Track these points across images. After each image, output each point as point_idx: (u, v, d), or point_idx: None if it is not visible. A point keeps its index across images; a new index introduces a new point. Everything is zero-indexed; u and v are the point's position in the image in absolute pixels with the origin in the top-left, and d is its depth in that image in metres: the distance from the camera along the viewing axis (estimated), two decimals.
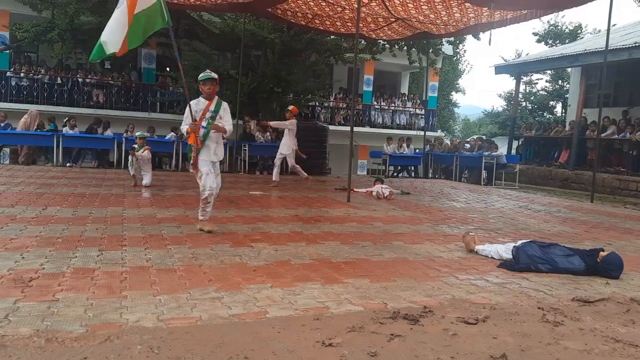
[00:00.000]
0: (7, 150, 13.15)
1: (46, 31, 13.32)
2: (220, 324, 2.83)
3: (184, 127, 5.40)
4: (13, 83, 16.48)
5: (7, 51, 16.00)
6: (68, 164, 12.49)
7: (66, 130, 12.84)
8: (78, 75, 17.41)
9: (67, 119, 13.30)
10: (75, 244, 4.53)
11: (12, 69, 16.61)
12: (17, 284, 3.31)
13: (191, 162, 5.43)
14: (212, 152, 5.40)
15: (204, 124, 5.32)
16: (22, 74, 16.64)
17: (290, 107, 11.00)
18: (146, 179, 9.14)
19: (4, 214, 5.66)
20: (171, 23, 5.51)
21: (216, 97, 5.47)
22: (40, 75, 16.77)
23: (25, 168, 11.21)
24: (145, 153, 9.15)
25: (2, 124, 12.58)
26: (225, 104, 5.54)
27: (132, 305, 3.04)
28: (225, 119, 5.49)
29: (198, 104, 5.38)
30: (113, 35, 5.36)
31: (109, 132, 13.20)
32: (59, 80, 17.08)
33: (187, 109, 5.31)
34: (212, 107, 5.37)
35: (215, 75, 5.42)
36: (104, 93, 17.65)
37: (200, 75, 5.42)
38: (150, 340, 2.55)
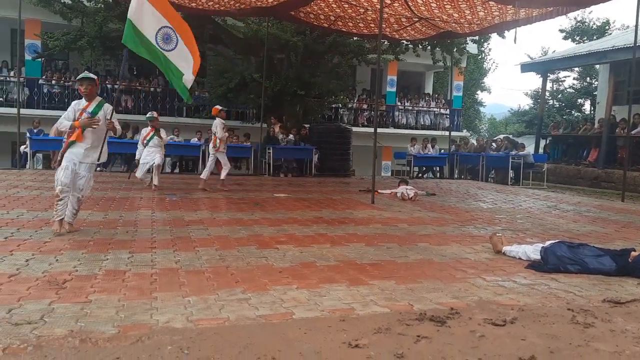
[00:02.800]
0: (40, 155, 13.53)
1: (76, 39, 13.67)
2: (247, 324, 2.88)
3: (64, 124, 5.19)
4: (45, 90, 16.93)
5: (40, 59, 16.46)
6: (98, 168, 12.78)
7: None
8: (107, 82, 17.79)
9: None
10: (106, 246, 4.65)
11: (44, 77, 17.07)
12: (52, 286, 3.42)
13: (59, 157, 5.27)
14: (83, 152, 5.19)
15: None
16: (53, 81, 17.09)
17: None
18: (156, 180, 9.31)
19: (38, 218, 5.84)
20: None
21: (98, 99, 5.37)
22: (70, 82, 17.20)
23: None
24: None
25: (35, 131, 12.95)
26: (107, 106, 5.38)
27: (162, 306, 3.11)
28: (109, 117, 5.34)
29: (78, 105, 5.28)
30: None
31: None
32: None
33: (70, 107, 5.28)
34: (89, 109, 5.24)
35: (91, 75, 5.37)
36: (132, 99, 18.00)
37: (79, 76, 5.41)
38: (180, 340, 2.60)
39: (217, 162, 9.97)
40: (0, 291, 3.25)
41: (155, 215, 6.48)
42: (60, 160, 5.22)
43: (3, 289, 3.31)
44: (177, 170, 14.44)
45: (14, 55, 17.75)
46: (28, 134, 12.64)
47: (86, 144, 5.22)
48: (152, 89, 18.38)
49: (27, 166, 12.47)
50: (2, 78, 16.79)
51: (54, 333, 2.63)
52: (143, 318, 2.90)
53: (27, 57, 16.49)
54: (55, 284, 3.46)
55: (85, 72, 5.61)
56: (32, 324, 2.73)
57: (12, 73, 16.66)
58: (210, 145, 9.91)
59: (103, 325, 2.76)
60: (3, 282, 3.43)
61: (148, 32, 5.74)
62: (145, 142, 9.48)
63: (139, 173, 9.56)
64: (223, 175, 9.89)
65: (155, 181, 9.24)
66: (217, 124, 9.61)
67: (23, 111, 12.93)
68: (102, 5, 13.91)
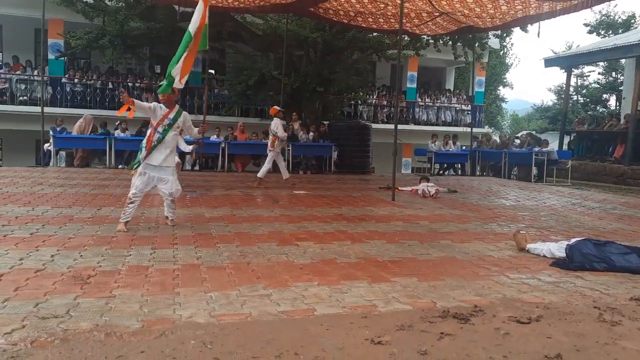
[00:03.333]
0: (63, 153, 13.74)
1: (98, 38, 13.84)
2: (269, 320, 2.88)
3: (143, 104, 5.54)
4: (68, 89, 17.20)
5: (62, 58, 16.72)
6: (120, 166, 12.96)
7: (117, 133, 13.31)
8: (128, 80, 18.01)
9: (118, 122, 13.80)
10: (129, 242, 4.70)
11: (66, 76, 17.34)
12: (77, 281, 3.47)
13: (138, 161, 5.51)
14: (163, 157, 5.44)
15: (159, 129, 5.43)
16: (75, 80, 17.35)
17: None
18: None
19: (62, 215, 5.93)
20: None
21: (177, 106, 5.61)
22: (92, 81, 17.45)
23: (81, 170, 11.70)
24: None
25: (58, 129, 13.17)
26: (185, 114, 5.68)
27: (185, 301, 3.13)
28: (187, 126, 5.71)
29: (160, 109, 5.50)
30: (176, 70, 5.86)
31: None
32: (110, 85, 17.72)
33: (154, 104, 5.54)
34: (171, 115, 5.49)
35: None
36: (152, 96, 18.16)
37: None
38: (203, 335, 2.62)
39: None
40: (27, 286, 3.31)
41: (176, 212, 6.51)
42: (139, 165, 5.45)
43: (30, 283, 3.37)
44: (197, 168, 14.54)
45: (37, 54, 18.06)
46: (51, 132, 12.85)
47: (167, 148, 5.47)
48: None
49: (51, 164, 12.68)
50: (26, 77, 17.11)
51: (79, 327, 2.67)
52: (166, 313, 2.93)
53: (51, 56, 16.74)
54: (80, 279, 3.51)
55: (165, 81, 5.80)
56: (58, 318, 2.77)
57: (35, 72, 16.95)
58: (268, 144, 10.29)
59: (127, 320, 2.79)
60: (30, 277, 3.49)
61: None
62: None
63: None
64: (285, 174, 10.39)
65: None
66: (278, 124, 9.99)
67: (46, 109, 13.12)
68: (124, 4, 14.06)
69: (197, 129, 5.96)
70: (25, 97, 16.81)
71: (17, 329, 2.60)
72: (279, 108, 10.12)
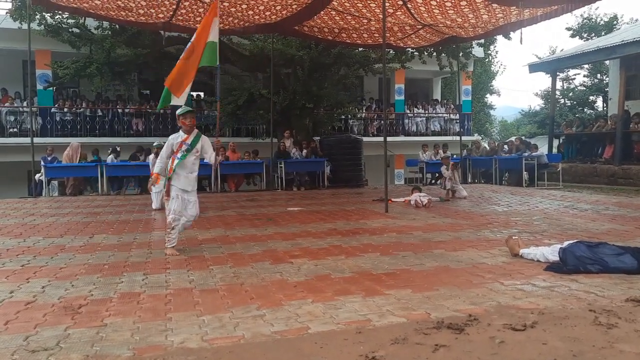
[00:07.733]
0: (55, 183, 13.69)
1: (85, 66, 13.90)
2: (262, 341, 2.85)
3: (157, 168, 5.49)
4: (58, 118, 17.19)
5: (51, 88, 16.74)
6: (112, 192, 12.90)
7: (111, 159, 13.29)
8: (117, 106, 18.02)
9: (111, 149, 13.80)
10: (121, 269, 4.67)
11: (56, 105, 17.34)
12: (68, 311, 3.43)
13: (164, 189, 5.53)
14: (189, 182, 5.43)
15: (178, 155, 5.35)
16: (65, 109, 17.35)
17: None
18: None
19: (54, 244, 5.89)
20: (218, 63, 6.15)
21: (196, 131, 5.49)
22: (82, 109, 17.46)
23: (73, 199, 11.64)
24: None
25: (49, 158, 13.13)
26: (205, 138, 5.58)
27: (177, 327, 3.10)
28: (205, 149, 5.56)
29: (176, 138, 5.42)
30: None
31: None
32: (99, 112, 17.74)
33: (167, 142, 5.44)
34: (189, 140, 5.40)
35: (192, 109, 5.55)
36: (142, 121, 18.20)
37: (179, 110, 5.51)
38: None
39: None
40: (17, 319, 3.27)
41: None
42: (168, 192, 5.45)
43: (20, 316, 3.32)
44: None
45: (26, 85, 18.08)
46: (42, 162, 12.81)
47: (190, 172, 5.45)
48: (161, 112, 18.50)
49: (43, 194, 12.62)
50: (15, 109, 17.09)
51: (69, 359, 2.63)
52: (158, 339, 2.89)
53: (39, 86, 16.77)
54: (71, 309, 3.47)
55: (185, 106, 5.67)
56: (48, 351, 2.73)
57: (25, 103, 16.95)
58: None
59: (118, 349, 2.75)
60: (20, 310, 3.45)
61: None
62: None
63: (155, 204, 9.29)
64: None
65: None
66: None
67: (37, 140, 13.11)
68: (109, 32, 14.15)
69: (212, 154, 5.67)
70: (15, 129, 16.78)
71: None
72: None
